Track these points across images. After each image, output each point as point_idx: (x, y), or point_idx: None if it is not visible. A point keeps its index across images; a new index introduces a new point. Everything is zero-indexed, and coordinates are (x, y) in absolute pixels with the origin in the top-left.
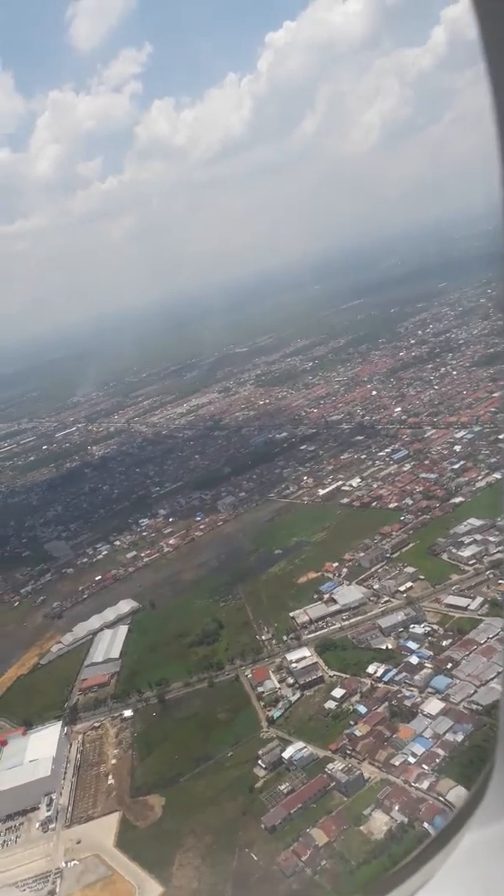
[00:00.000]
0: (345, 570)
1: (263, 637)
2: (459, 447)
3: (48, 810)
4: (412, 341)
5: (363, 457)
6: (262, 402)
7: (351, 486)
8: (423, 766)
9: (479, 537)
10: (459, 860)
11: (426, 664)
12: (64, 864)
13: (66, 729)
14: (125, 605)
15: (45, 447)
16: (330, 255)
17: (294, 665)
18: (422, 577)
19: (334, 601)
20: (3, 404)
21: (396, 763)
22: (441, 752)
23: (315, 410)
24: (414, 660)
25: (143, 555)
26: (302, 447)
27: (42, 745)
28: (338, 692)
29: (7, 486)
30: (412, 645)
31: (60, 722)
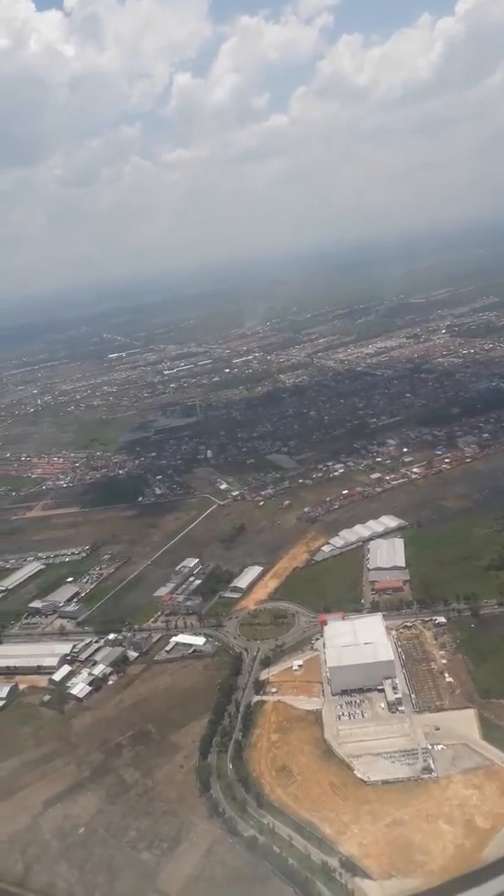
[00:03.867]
0: None
1: None
2: None
3: (395, 693)
4: None
5: None
6: (465, 352)
7: None
8: None
9: None
10: None
11: None
12: (429, 746)
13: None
14: (389, 521)
15: (226, 370)
16: (495, 220)
17: None
18: None
19: None
20: (162, 328)
21: None
22: None
23: None
24: None
25: (388, 478)
26: None
27: (367, 632)
28: None
29: (202, 400)
30: None
31: (380, 614)
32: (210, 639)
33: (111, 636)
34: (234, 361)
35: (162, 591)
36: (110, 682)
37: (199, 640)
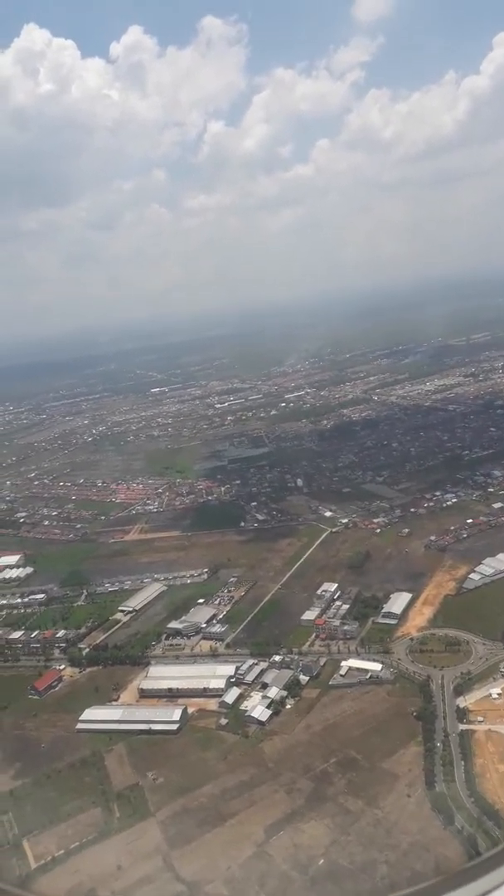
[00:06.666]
0: None
1: None
2: None
3: None
4: None
5: None
6: None
7: None
8: None
9: None
10: None
11: None
12: None
13: None
14: None
15: (281, 405)
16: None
17: None
18: None
19: None
20: (195, 366)
21: None
22: None
23: None
24: None
25: None
26: None
27: None
28: None
29: (267, 433)
30: None
31: None
32: (384, 665)
33: (276, 658)
34: (287, 396)
35: (309, 615)
36: (288, 706)
37: (375, 666)
